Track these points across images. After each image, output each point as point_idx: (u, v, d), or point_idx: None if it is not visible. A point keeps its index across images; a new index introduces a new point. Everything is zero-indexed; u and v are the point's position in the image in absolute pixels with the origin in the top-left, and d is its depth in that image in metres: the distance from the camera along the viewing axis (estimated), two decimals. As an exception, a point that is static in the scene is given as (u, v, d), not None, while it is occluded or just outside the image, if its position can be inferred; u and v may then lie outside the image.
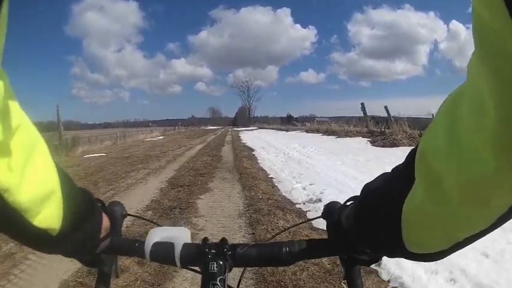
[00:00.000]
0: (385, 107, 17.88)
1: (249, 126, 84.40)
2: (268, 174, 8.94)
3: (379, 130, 17.16)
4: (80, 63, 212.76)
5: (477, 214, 0.35)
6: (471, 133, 0.30)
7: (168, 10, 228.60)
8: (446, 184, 0.34)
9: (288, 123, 76.96)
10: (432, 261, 0.45)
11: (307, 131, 30.91)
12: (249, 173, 8.96)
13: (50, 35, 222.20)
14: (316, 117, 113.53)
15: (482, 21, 0.26)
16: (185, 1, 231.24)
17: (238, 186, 7.49)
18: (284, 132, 37.43)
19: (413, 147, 0.42)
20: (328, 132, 23.99)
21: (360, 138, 17.29)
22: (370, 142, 15.09)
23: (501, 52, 0.24)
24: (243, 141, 24.12)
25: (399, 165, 0.46)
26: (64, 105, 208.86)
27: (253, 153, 14.96)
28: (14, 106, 0.39)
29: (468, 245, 0.40)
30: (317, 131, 28.55)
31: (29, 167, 0.42)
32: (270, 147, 17.35)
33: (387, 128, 16.80)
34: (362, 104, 20.28)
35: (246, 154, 14.13)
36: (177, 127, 66.09)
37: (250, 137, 31.56)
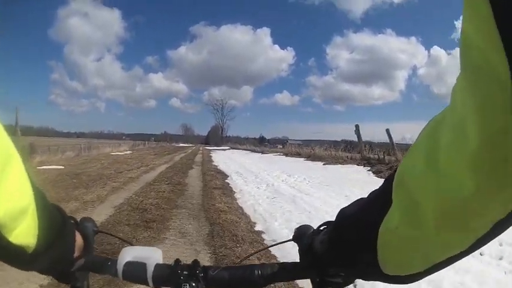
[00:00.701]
0: (387, 131, 15.30)
1: (221, 146, 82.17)
2: (254, 225, 5.81)
3: (378, 157, 14.38)
4: (60, 69, 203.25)
5: (455, 237, 0.35)
6: (451, 158, 0.30)
7: (149, 22, 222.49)
8: (423, 208, 0.35)
9: (260, 144, 74.40)
10: (408, 283, 0.45)
11: (286, 154, 28.00)
12: (225, 222, 5.75)
13: (34, 37, 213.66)
14: (289, 139, 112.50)
15: (471, 46, 0.26)
16: (167, 14, 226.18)
17: (207, 255, 4.32)
18: (259, 154, 34.36)
19: (391, 172, 0.42)
20: (311, 157, 21.39)
21: (355, 166, 14.66)
22: (373, 172, 12.34)
23: (489, 77, 0.24)
24: (215, 163, 21.07)
25: (376, 190, 0.46)
26: (41, 110, 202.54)
27: (228, 181, 11.88)
28: None
29: (445, 267, 0.40)
30: (298, 154, 25.86)
31: (3, 181, 0.40)
32: (247, 173, 14.27)
33: (388, 155, 14.00)
34: (356, 126, 17.70)
35: (218, 184, 10.97)
36: (147, 142, 63.06)
37: (222, 158, 28.31)
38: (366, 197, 0.49)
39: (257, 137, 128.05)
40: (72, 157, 21.31)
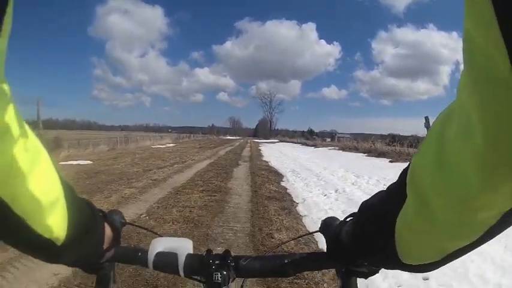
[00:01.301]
0: (426, 118, 13.34)
1: (269, 138, 79.78)
2: None
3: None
4: (102, 65, 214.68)
5: (465, 228, 0.36)
6: (458, 154, 0.31)
7: (193, 18, 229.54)
8: (433, 203, 0.35)
9: (309, 137, 70.97)
10: (426, 271, 0.47)
11: (342, 149, 24.57)
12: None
13: (73, 35, 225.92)
14: (338, 133, 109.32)
15: (473, 43, 0.26)
16: (211, 11, 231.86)
17: None
18: (312, 148, 30.98)
19: (406, 166, 0.42)
20: (372, 153, 18.09)
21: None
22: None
23: (490, 76, 0.24)
24: (265, 158, 18.17)
25: (393, 183, 0.46)
26: (85, 105, 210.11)
27: (284, 184, 8.90)
28: (17, 116, 0.38)
29: (460, 256, 0.41)
30: (355, 149, 22.39)
31: (34, 173, 0.41)
32: (305, 172, 11.20)
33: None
34: (426, 118, 14.72)
35: (273, 190, 7.95)
36: (192, 135, 61.43)
37: (273, 152, 25.31)
38: (385, 189, 0.49)
39: (305, 130, 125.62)
40: (106, 151, 19.98)
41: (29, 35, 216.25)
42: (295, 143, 47.90)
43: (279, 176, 10.60)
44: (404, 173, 0.42)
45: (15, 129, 0.37)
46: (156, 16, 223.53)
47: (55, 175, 0.46)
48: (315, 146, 33.05)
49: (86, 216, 0.55)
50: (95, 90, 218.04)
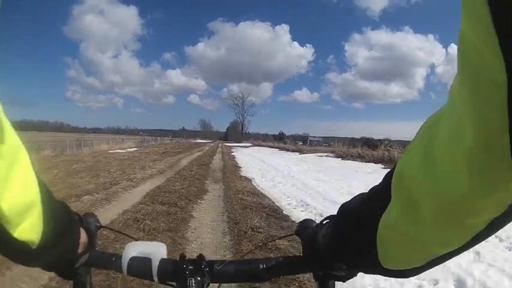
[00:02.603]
0: None
1: (241, 142, 74.62)
2: None
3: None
4: (76, 66, 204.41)
5: (451, 234, 0.35)
6: (447, 157, 0.30)
7: (167, 19, 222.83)
8: (420, 206, 0.34)
9: (280, 140, 65.99)
10: (407, 277, 0.46)
11: (341, 157, 19.09)
12: None
13: (48, 34, 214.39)
14: (310, 136, 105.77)
15: (469, 44, 0.25)
16: (184, 11, 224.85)
17: None
18: (297, 154, 25.34)
19: (390, 169, 0.42)
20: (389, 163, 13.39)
21: None
22: None
23: (484, 77, 0.24)
24: (245, 173, 12.54)
25: (376, 185, 0.45)
26: (58, 107, 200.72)
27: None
28: None
29: (444, 261, 0.40)
30: (360, 157, 16.99)
31: (11, 177, 0.40)
32: (324, 204, 6.03)
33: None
34: None
35: None
36: (159, 138, 55.57)
37: (251, 160, 19.64)
38: (367, 192, 0.48)
39: (276, 133, 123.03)
40: (51, 157, 16.61)
41: (2, 33, 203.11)
42: (272, 147, 42.30)
43: (280, 217, 5.35)
44: (389, 175, 0.41)
45: None
46: (130, 16, 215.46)
47: (33, 176, 0.45)
48: (300, 151, 27.37)
49: (61, 220, 0.54)
50: (68, 92, 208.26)
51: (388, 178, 0.41)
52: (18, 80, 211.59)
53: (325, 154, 22.52)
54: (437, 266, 0.41)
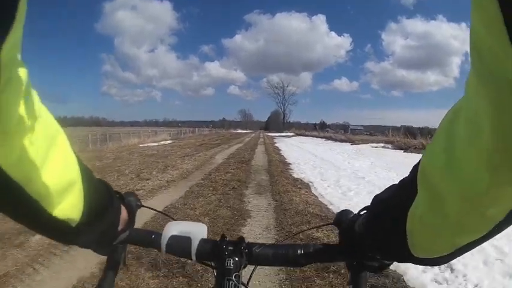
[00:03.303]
0: None
1: (282, 132, 71.41)
2: None
3: None
4: (112, 61, 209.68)
5: (475, 223, 0.36)
6: (467, 151, 0.31)
7: (202, 12, 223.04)
8: (444, 199, 0.35)
9: (321, 130, 62.68)
10: (437, 265, 0.47)
11: (403, 149, 15.75)
12: None
13: (81, 32, 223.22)
14: (351, 125, 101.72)
15: (480, 40, 0.25)
16: (220, 4, 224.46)
17: None
18: (348, 144, 22.10)
19: (417, 162, 0.42)
20: None
21: None
22: None
23: (497, 74, 0.24)
24: (293, 169, 9.72)
25: (405, 177, 0.46)
26: (94, 102, 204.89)
27: None
28: (35, 97, 0.39)
29: (470, 249, 0.41)
30: (424, 148, 13.41)
31: (50, 157, 0.41)
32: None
33: None
34: None
35: None
36: (197, 129, 53.45)
37: (298, 153, 16.47)
38: (397, 183, 0.48)
39: (317, 122, 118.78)
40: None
41: (37, 34, 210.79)
42: (316, 137, 38.95)
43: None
44: (415, 167, 0.42)
45: (31, 113, 0.37)
46: (164, 11, 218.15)
47: (72, 157, 0.46)
48: (350, 141, 23.99)
49: (102, 198, 0.55)
50: (104, 86, 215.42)
51: (414, 170, 0.41)
52: (53, 77, 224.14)
53: (382, 145, 19.20)
54: None
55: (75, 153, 0.47)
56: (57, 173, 0.42)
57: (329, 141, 29.30)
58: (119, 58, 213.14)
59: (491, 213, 0.32)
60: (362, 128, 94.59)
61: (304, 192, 6.61)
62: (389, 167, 10.32)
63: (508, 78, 0.23)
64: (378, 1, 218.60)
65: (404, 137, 19.43)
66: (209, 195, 6.09)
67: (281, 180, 7.88)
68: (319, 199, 6.05)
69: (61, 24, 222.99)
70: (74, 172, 0.46)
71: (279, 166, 10.62)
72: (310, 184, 7.45)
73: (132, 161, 11.49)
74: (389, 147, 18.00)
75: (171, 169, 9.47)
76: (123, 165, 10.46)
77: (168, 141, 25.58)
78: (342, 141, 26.51)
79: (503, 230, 0.35)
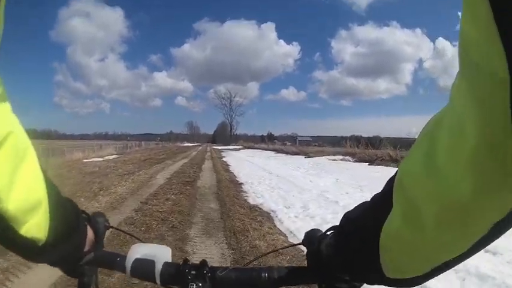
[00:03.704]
0: None
1: (230, 144, 69.97)
2: None
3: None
4: (64, 71, 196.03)
5: (454, 239, 0.34)
6: (449, 156, 0.30)
7: (152, 20, 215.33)
8: (422, 211, 0.34)
9: (269, 141, 62.00)
10: (411, 286, 0.44)
11: (369, 161, 14.58)
12: None
13: (35, 40, 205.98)
14: (298, 136, 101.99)
15: (470, 42, 0.25)
16: (170, 12, 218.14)
17: None
18: (302, 158, 20.72)
19: (392, 176, 0.41)
20: None
21: None
22: None
23: (486, 74, 0.24)
24: (248, 192, 8.00)
25: (378, 193, 0.44)
26: (46, 113, 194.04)
27: None
28: (6, 111, 0.39)
29: (447, 269, 0.39)
30: (393, 160, 12.57)
31: (18, 175, 0.41)
32: None
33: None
34: None
35: None
36: (143, 143, 51.42)
37: (250, 170, 14.74)
38: (369, 200, 0.47)
39: (264, 134, 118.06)
40: None
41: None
42: (266, 149, 37.54)
43: None
44: (390, 182, 0.41)
45: (2, 128, 0.37)
46: (116, 18, 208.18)
47: (40, 175, 0.46)
48: (304, 154, 22.59)
49: (68, 218, 0.54)
50: (56, 97, 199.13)
51: (389, 185, 0.40)
52: (8, 86, 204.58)
53: (340, 157, 17.99)
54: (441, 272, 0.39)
55: (42, 169, 0.46)
56: (25, 192, 0.41)
57: (280, 154, 27.97)
58: (71, 67, 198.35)
59: (474, 227, 0.31)
60: (310, 139, 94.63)
61: (267, 228, 4.92)
62: (359, 184, 8.95)
63: (497, 75, 0.23)
64: (329, 8, 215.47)
65: (365, 148, 18.40)
66: (137, 242, 4.12)
67: (235, 209, 6.14)
68: (291, 239, 4.41)
69: (15, 31, 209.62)
70: (40, 191, 0.45)
71: (230, 188, 8.86)
72: (272, 214, 5.80)
73: (68, 180, 9.44)
74: (350, 159, 16.80)
75: (102, 194, 7.54)
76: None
77: (113, 156, 23.94)
78: (294, 153, 25.23)
79: (485, 246, 0.33)
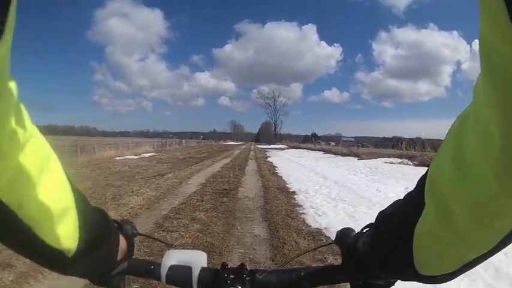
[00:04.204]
0: None
1: (274, 144, 68.22)
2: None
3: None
4: (103, 70, 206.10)
5: (483, 236, 0.35)
6: (475, 159, 0.30)
7: (193, 22, 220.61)
8: (453, 209, 0.34)
9: (313, 141, 59.74)
10: (443, 282, 0.44)
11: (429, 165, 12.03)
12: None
13: (72, 39, 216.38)
14: (343, 136, 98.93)
15: (488, 45, 0.25)
16: (210, 13, 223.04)
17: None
18: (354, 160, 18.45)
19: (423, 174, 0.41)
20: None
21: None
22: None
23: (505, 77, 0.24)
24: (305, 208, 5.82)
25: (411, 191, 0.45)
26: (86, 111, 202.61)
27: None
28: (25, 115, 0.37)
29: (476, 265, 0.40)
30: None
31: (42, 180, 0.39)
32: None
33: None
34: None
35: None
36: (184, 141, 49.75)
37: (301, 174, 12.67)
38: (402, 198, 0.47)
39: (308, 134, 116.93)
40: None
41: (29, 42, 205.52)
42: (313, 149, 35.19)
43: None
44: (422, 180, 0.41)
45: (23, 132, 0.36)
46: (155, 19, 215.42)
47: (66, 182, 0.44)
48: (358, 156, 20.10)
49: (99, 227, 0.52)
50: (95, 96, 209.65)
51: (421, 183, 0.40)
52: (44, 85, 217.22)
53: (398, 160, 15.64)
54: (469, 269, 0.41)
55: (69, 178, 0.44)
56: (51, 198, 0.39)
57: (329, 154, 25.58)
58: (110, 67, 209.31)
59: (500, 225, 0.32)
60: (354, 139, 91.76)
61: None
62: None
63: None
64: (369, 10, 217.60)
65: (422, 150, 16.12)
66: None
67: (291, 239, 4.16)
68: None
69: (51, 31, 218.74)
70: (67, 199, 0.43)
71: (280, 200, 6.85)
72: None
73: (84, 182, 8.09)
74: (410, 163, 14.44)
75: (111, 205, 5.93)
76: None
77: (150, 154, 22.51)
78: (344, 154, 22.81)
79: (508, 244, 0.34)
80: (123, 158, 18.35)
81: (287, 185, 9.00)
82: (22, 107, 0.35)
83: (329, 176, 11.05)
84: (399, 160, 15.68)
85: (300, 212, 5.77)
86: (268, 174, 11.78)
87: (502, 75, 0.24)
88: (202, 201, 6.50)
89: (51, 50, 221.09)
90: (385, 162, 15.60)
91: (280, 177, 10.95)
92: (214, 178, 9.94)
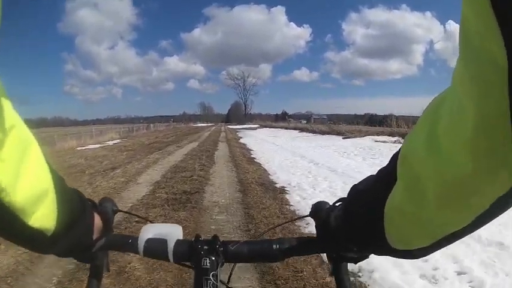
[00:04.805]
0: None
1: (245, 123, 65.89)
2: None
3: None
4: (73, 60, 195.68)
5: (455, 214, 0.35)
6: (450, 136, 0.30)
7: (161, 7, 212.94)
8: (424, 185, 0.35)
9: (283, 120, 57.70)
10: (416, 257, 0.45)
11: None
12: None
13: (43, 32, 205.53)
14: (314, 114, 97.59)
15: (469, 27, 0.25)
16: None
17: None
18: (339, 138, 16.31)
19: (396, 151, 0.41)
20: None
21: None
22: None
23: (485, 60, 0.24)
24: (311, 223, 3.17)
25: (383, 167, 0.45)
26: (57, 102, 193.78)
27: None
28: (7, 106, 0.39)
29: (452, 242, 0.40)
30: None
31: (23, 167, 0.41)
32: None
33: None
34: None
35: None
36: (151, 125, 46.99)
37: (278, 155, 10.10)
38: (375, 173, 0.47)
39: (278, 113, 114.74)
40: None
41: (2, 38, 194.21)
42: (287, 128, 33.03)
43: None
44: (394, 156, 0.41)
45: (4, 122, 0.37)
46: (124, 6, 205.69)
47: (45, 166, 0.46)
48: (343, 135, 17.85)
49: (75, 207, 0.54)
50: (66, 86, 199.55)
51: (394, 159, 0.41)
52: (17, 78, 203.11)
53: (393, 139, 13.60)
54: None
55: (47, 161, 0.47)
56: (31, 183, 0.41)
57: (306, 133, 23.43)
58: (80, 56, 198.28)
59: (475, 203, 0.31)
60: (326, 117, 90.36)
61: None
62: None
63: (496, 63, 0.23)
64: None
65: (409, 128, 14.14)
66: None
67: None
68: None
69: (23, 24, 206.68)
70: (46, 181, 0.45)
71: (266, 206, 4.46)
72: None
73: None
74: (402, 141, 12.37)
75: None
76: None
77: (114, 141, 20.77)
78: (324, 133, 20.68)
79: (487, 221, 0.34)
80: (84, 148, 16.64)
81: (271, 177, 6.69)
82: (4, 97, 0.37)
83: (319, 161, 8.77)
84: (393, 139, 13.64)
85: (305, 225, 3.47)
86: (244, 161, 9.37)
87: (481, 59, 0.24)
88: (147, 222, 3.93)
89: (23, 44, 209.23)
90: (376, 141, 13.55)
91: (259, 165, 8.59)
92: (174, 173, 7.44)
